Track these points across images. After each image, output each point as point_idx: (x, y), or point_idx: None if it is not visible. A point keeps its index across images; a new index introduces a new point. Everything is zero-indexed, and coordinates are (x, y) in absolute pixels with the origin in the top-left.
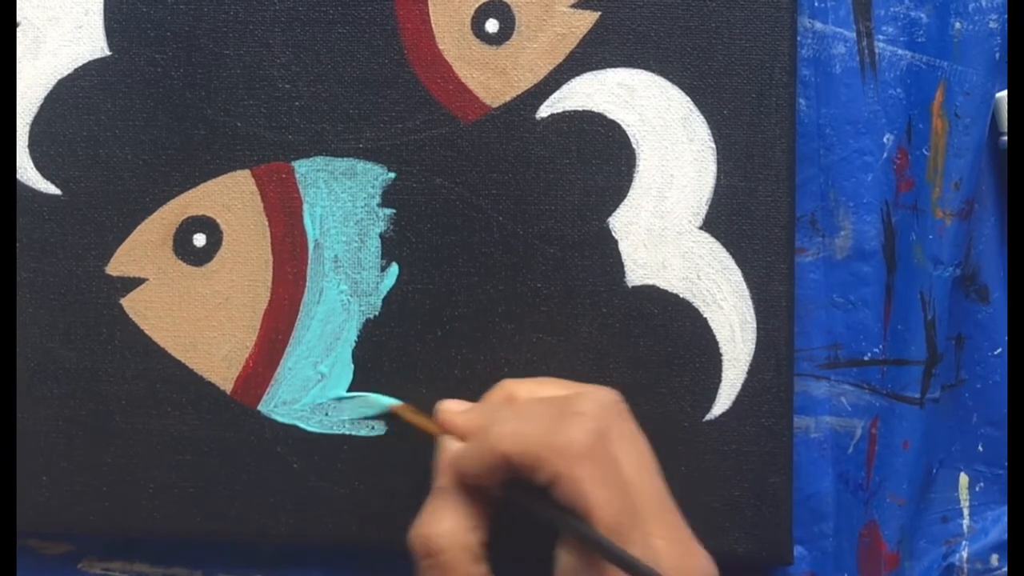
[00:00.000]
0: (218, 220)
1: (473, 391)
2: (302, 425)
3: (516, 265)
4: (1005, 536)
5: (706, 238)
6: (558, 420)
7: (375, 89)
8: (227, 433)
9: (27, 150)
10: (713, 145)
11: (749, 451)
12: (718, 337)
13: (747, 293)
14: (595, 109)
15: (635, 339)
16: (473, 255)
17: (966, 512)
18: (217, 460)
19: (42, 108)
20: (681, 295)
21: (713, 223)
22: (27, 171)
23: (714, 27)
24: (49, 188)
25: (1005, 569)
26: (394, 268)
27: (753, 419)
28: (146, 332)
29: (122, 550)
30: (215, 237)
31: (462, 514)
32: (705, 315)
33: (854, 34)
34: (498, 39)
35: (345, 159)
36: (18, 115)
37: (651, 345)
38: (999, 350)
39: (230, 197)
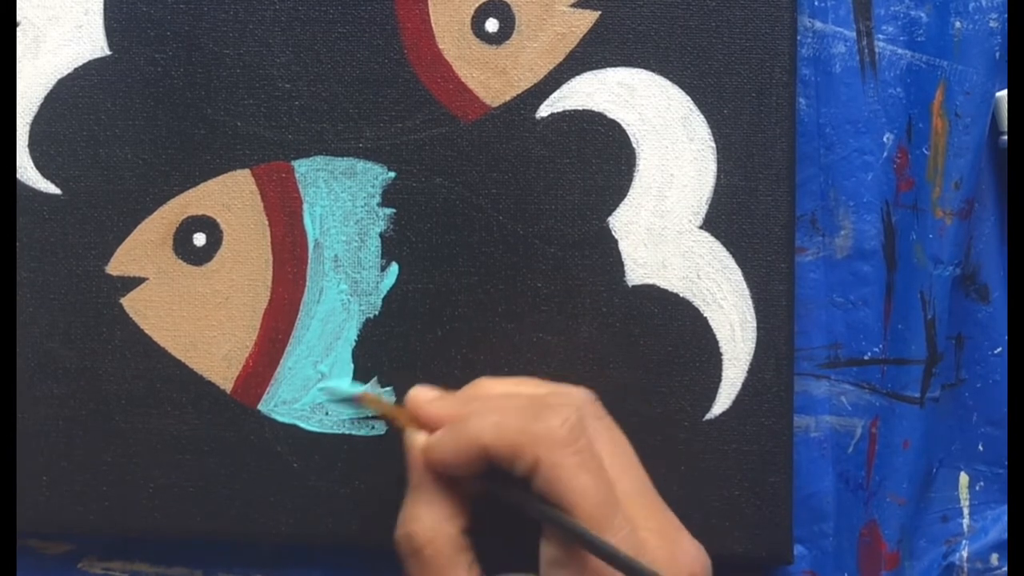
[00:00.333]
0: (218, 220)
1: None
2: (302, 425)
3: (516, 265)
4: (1005, 535)
5: (706, 237)
6: (536, 411)
7: (375, 89)
8: (227, 433)
9: (27, 150)
10: (713, 144)
11: (749, 450)
12: (718, 336)
13: (747, 292)
14: (595, 108)
15: (635, 339)
16: (473, 255)
17: (966, 511)
18: (217, 460)
19: (42, 108)
20: (681, 294)
21: (713, 222)
22: (27, 171)
23: (714, 27)
24: (49, 188)
25: (1005, 569)
26: (394, 268)
27: (753, 418)
28: (146, 332)
29: (122, 550)
30: (215, 237)
31: (439, 506)
32: (705, 314)
33: (854, 33)
34: (498, 39)
35: (345, 159)
36: (18, 115)
37: (651, 345)
38: (999, 349)
39: (230, 197)
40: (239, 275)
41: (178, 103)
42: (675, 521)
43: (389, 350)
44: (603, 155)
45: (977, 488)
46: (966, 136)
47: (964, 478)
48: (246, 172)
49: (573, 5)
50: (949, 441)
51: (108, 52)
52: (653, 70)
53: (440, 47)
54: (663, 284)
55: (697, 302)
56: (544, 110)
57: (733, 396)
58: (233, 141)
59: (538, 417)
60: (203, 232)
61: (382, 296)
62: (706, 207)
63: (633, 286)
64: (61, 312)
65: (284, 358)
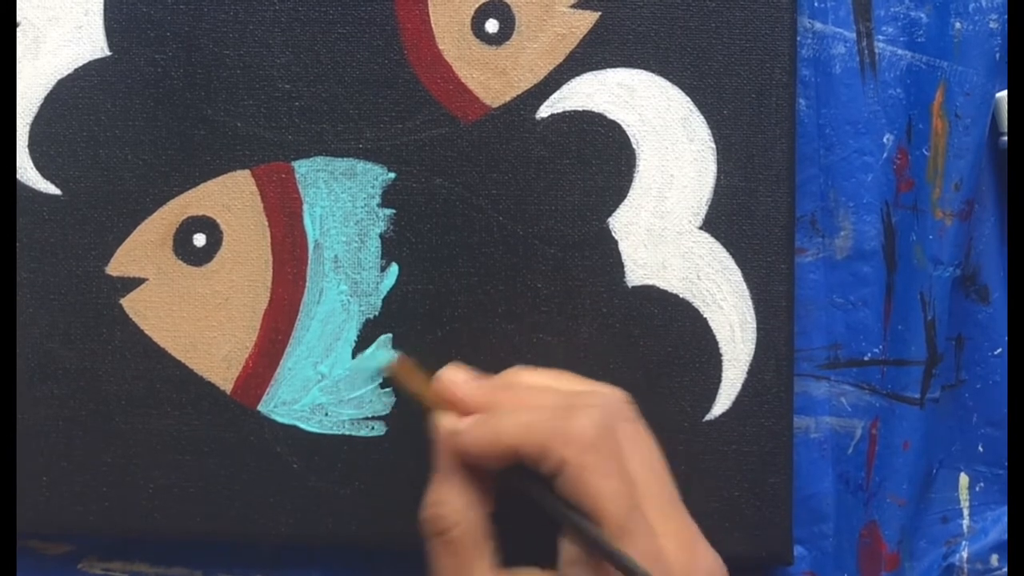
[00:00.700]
0: (218, 220)
1: None
2: (302, 425)
3: (516, 265)
4: (1005, 536)
5: (706, 238)
6: (566, 410)
7: (375, 89)
8: (227, 433)
9: (27, 150)
10: (713, 145)
11: (749, 451)
12: (718, 337)
13: (747, 293)
14: (595, 109)
15: (635, 339)
16: (473, 255)
17: (966, 512)
18: (217, 460)
19: (42, 108)
20: (681, 295)
21: (713, 223)
22: (27, 171)
23: (714, 27)
24: (49, 188)
25: (1005, 569)
26: (394, 268)
27: (753, 419)
28: (146, 332)
29: (122, 550)
30: (215, 237)
31: (467, 490)
32: (705, 315)
33: (854, 34)
34: (498, 39)
35: (345, 159)
36: (18, 115)
37: (651, 345)
38: (999, 350)
39: (230, 197)
40: (239, 276)
41: (178, 104)
42: (694, 529)
43: (389, 351)
44: (603, 156)
45: (977, 489)
46: (966, 137)
47: (964, 479)
48: (246, 173)
49: (573, 6)
50: (949, 442)
51: (108, 53)
52: (653, 71)
53: (440, 48)
54: (663, 285)
55: (697, 303)
56: (544, 111)
57: (733, 397)
58: (233, 142)
59: (567, 418)
60: (203, 233)
61: (382, 296)
62: (706, 208)
63: (633, 287)
64: (61, 312)
65: (284, 359)
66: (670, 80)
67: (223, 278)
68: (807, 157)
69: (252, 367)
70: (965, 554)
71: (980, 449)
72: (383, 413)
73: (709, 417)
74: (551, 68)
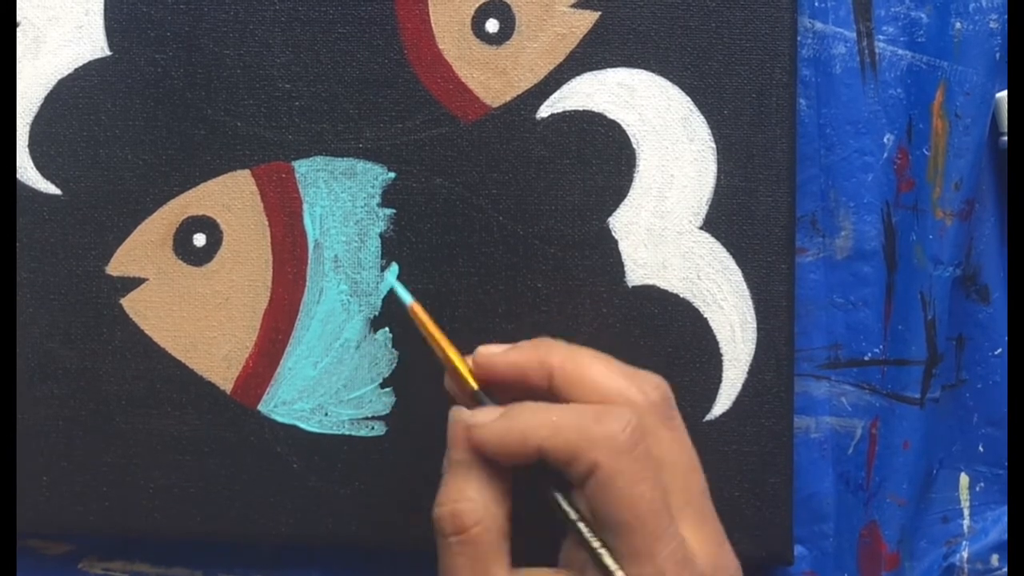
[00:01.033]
0: (218, 220)
1: None
2: (302, 425)
3: (516, 265)
4: (1005, 536)
5: (706, 238)
6: (596, 412)
7: (375, 89)
8: (227, 433)
9: (27, 150)
10: (713, 145)
11: (749, 451)
12: (718, 337)
13: (747, 293)
14: (595, 109)
15: (635, 339)
16: (473, 255)
17: (966, 512)
18: (217, 460)
19: (42, 108)
20: (681, 295)
21: (713, 223)
22: (27, 171)
23: (714, 27)
24: (49, 188)
25: (1005, 569)
26: (394, 268)
27: (753, 419)
28: (146, 332)
29: (122, 550)
30: (215, 237)
31: (489, 486)
32: (705, 315)
33: (854, 34)
34: (498, 39)
35: (345, 159)
36: (18, 115)
37: (651, 345)
38: (999, 350)
39: (230, 197)
40: (239, 275)
41: (178, 103)
42: (721, 533)
43: (389, 351)
44: (603, 155)
45: (977, 489)
46: (966, 137)
47: (964, 479)
48: (246, 172)
49: (573, 5)
50: (949, 442)
51: (108, 52)
52: (653, 71)
53: (440, 47)
54: (663, 285)
55: (697, 303)
56: (544, 110)
57: (733, 397)
58: (233, 141)
59: (598, 420)
60: (203, 232)
61: (382, 296)
62: (706, 208)
63: (633, 287)
64: (61, 312)
65: (284, 358)
66: (670, 80)
67: (223, 278)
68: (807, 157)
69: (252, 367)
70: (965, 554)
71: (980, 449)
72: (383, 413)
73: (709, 417)
74: (551, 68)
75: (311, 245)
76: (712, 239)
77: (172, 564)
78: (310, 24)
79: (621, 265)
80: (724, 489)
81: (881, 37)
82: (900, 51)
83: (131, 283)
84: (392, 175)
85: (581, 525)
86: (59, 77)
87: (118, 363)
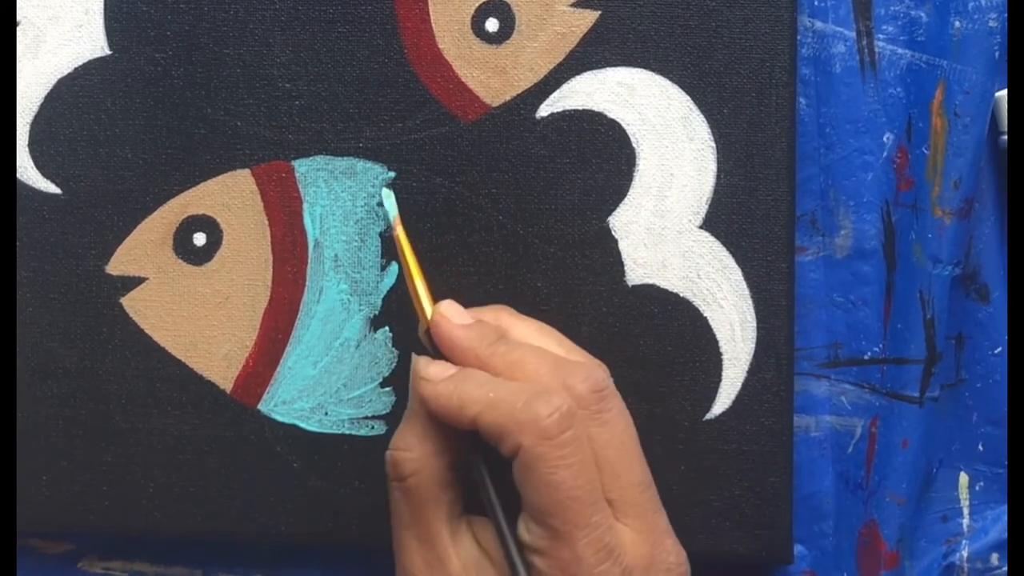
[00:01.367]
0: (218, 219)
1: None
2: (302, 425)
3: (516, 265)
4: (1005, 535)
5: (706, 237)
6: (533, 394)
7: (375, 89)
8: (227, 433)
9: (27, 149)
10: (713, 144)
11: (749, 450)
12: (718, 336)
13: (747, 292)
14: (595, 108)
15: (635, 339)
16: (473, 255)
17: (966, 511)
18: (217, 460)
19: (42, 107)
20: (681, 294)
21: (713, 222)
22: (27, 170)
23: (714, 26)
24: (49, 188)
25: (1005, 568)
26: (394, 267)
27: (753, 418)
28: (146, 331)
29: (122, 550)
30: (215, 236)
31: (430, 438)
32: (705, 314)
33: (854, 33)
34: (498, 38)
35: (345, 158)
36: (18, 115)
37: (651, 345)
38: (999, 349)
39: (230, 196)
40: (239, 275)
41: (178, 103)
42: (664, 523)
43: (389, 350)
44: (603, 155)
45: (977, 488)
46: (966, 135)
47: (964, 478)
48: (246, 172)
49: (573, 5)
50: (949, 441)
51: (108, 52)
52: (653, 70)
53: (440, 47)
54: (663, 284)
55: (697, 302)
56: (544, 110)
57: (733, 396)
58: (233, 141)
59: (528, 403)
60: (203, 232)
61: (382, 296)
62: (706, 207)
63: (633, 286)
64: (61, 312)
65: (284, 358)
66: (670, 79)
67: (223, 277)
68: (807, 156)
69: (252, 366)
70: (965, 553)
71: (980, 448)
72: (383, 412)
73: (709, 416)
74: (551, 67)
75: (311, 244)
76: (712, 238)
77: (172, 563)
78: (310, 24)
79: (621, 264)
80: (724, 488)
81: (881, 36)
82: (900, 50)
83: (131, 282)
84: (392, 175)
85: (498, 508)
86: (59, 76)
87: (118, 362)
